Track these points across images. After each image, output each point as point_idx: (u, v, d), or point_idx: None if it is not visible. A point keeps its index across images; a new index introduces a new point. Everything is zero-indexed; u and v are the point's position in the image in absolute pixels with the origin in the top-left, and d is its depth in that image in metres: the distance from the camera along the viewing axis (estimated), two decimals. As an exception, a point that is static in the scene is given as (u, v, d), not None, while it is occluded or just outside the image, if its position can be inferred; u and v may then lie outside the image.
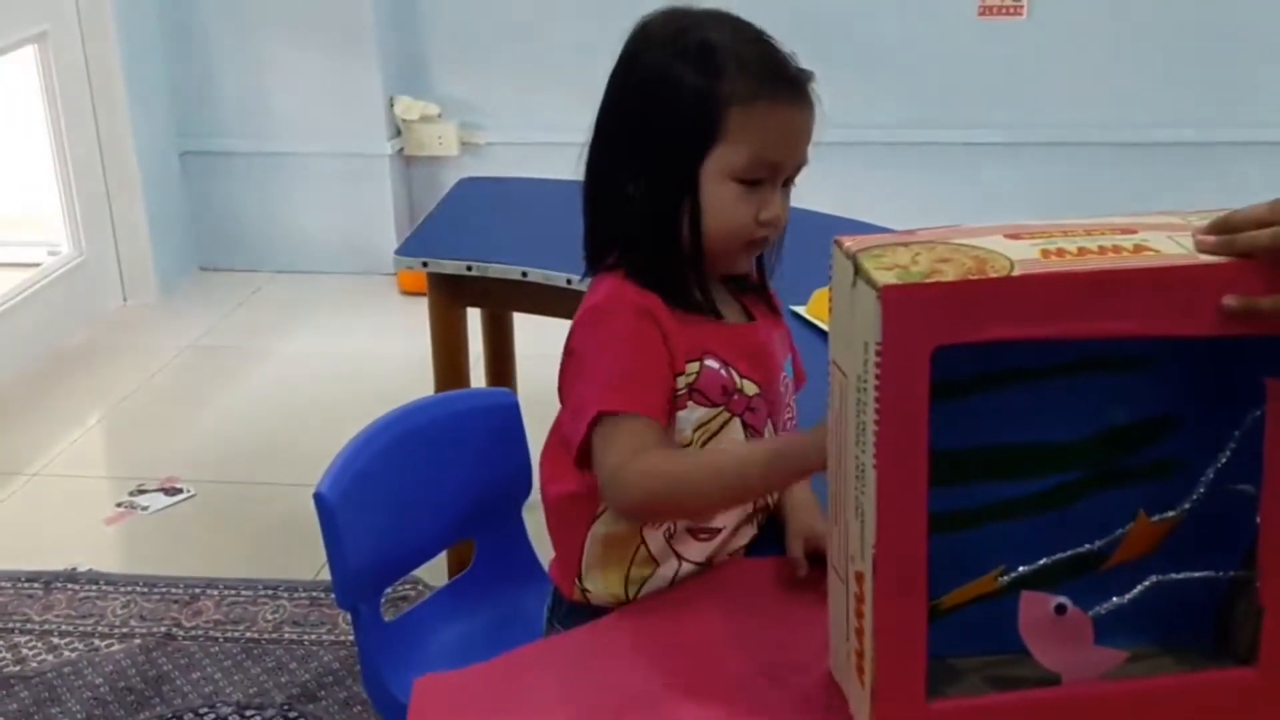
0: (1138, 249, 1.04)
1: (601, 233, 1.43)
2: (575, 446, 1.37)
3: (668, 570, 1.43)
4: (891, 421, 1.01)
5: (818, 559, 1.34)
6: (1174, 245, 1.05)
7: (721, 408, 1.39)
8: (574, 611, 1.48)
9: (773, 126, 1.34)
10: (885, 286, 0.99)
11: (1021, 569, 1.12)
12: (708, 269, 1.40)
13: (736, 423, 1.41)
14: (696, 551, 1.44)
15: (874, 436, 1.02)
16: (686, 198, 1.36)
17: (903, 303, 0.99)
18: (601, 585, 1.45)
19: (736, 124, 1.33)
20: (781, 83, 1.35)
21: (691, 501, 1.35)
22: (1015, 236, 1.06)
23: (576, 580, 1.46)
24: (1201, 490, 1.11)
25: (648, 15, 1.40)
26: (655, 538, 1.43)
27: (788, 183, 1.40)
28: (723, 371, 1.39)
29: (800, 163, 1.38)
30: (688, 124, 1.34)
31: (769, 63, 1.35)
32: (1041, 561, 1.12)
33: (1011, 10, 3.95)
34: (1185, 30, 3.87)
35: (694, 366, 1.37)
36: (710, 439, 1.40)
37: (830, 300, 1.09)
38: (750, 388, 1.41)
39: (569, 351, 1.40)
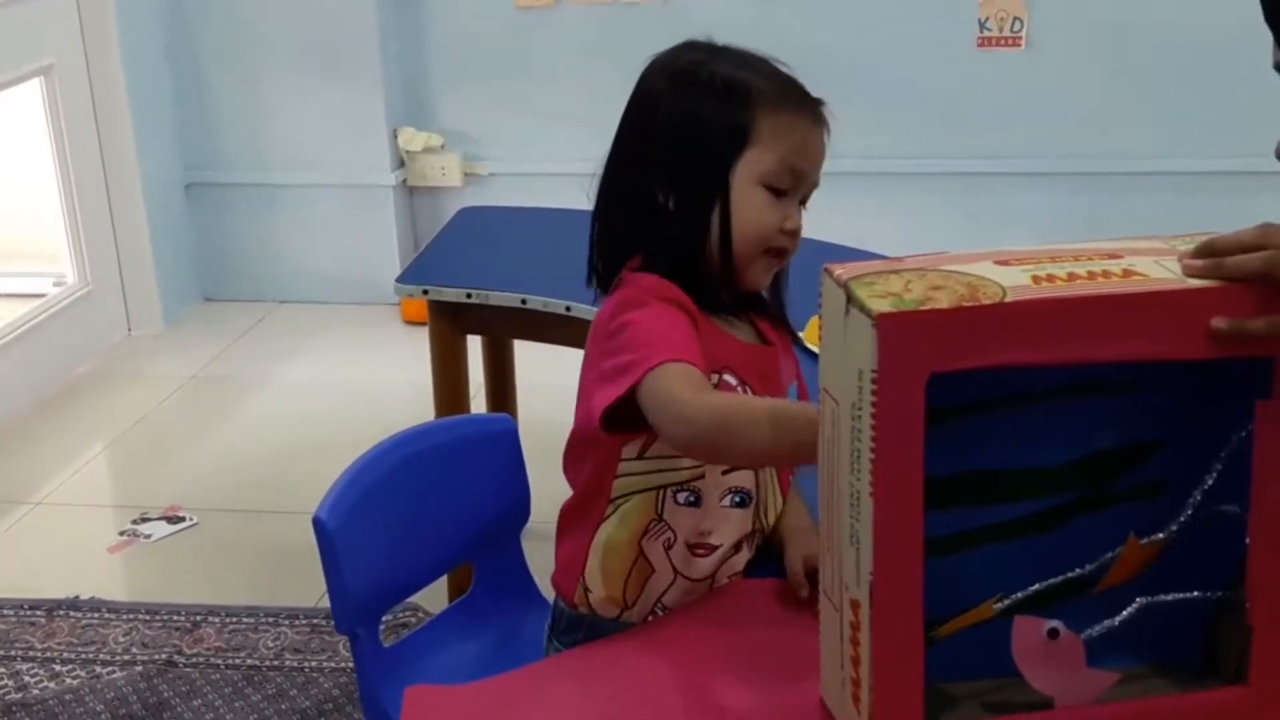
0: (1126, 274, 1.06)
1: (621, 244, 1.46)
2: (603, 410, 1.33)
3: (664, 579, 1.46)
4: (888, 448, 1.02)
5: (817, 580, 1.35)
6: (1161, 270, 1.06)
7: None
8: (574, 626, 1.50)
9: (798, 135, 1.41)
10: (881, 315, 1.00)
11: (1017, 595, 1.13)
12: (733, 278, 1.43)
13: None
14: (695, 568, 1.46)
15: (870, 463, 1.03)
16: (718, 202, 1.40)
17: (898, 331, 1.00)
18: (602, 587, 1.48)
19: (767, 129, 1.40)
20: (804, 97, 1.43)
21: (748, 444, 1.29)
22: (1004, 263, 1.07)
23: (580, 580, 1.49)
24: (1189, 512, 1.12)
25: (662, 52, 1.48)
26: (655, 549, 1.45)
27: (802, 202, 1.45)
28: (740, 389, 1.41)
29: (815, 181, 1.45)
30: (722, 125, 1.40)
31: (792, 81, 1.44)
32: (1034, 588, 1.13)
33: (1010, 42, 3.98)
34: (1182, 61, 3.89)
35: (714, 378, 1.40)
36: None
37: (821, 327, 1.10)
38: None
39: (617, 328, 1.38)
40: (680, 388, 1.29)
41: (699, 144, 1.41)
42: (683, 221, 1.42)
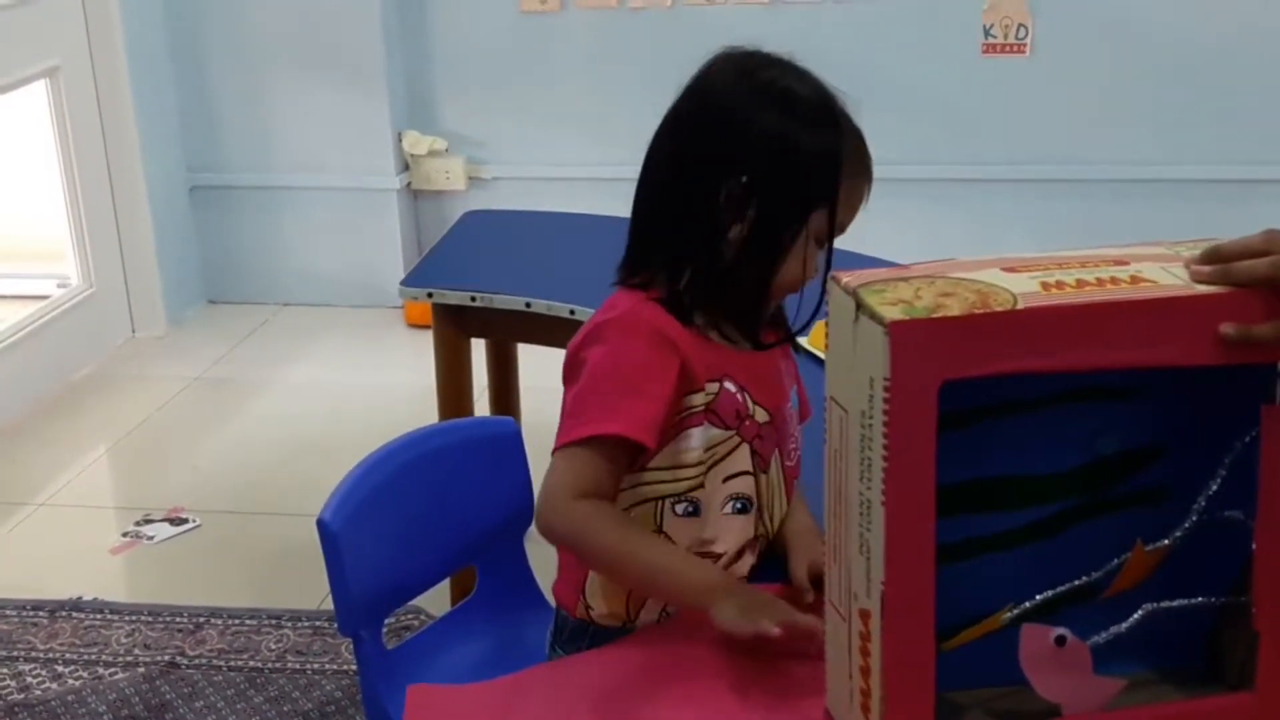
0: (1134, 280, 1.06)
1: (657, 250, 1.43)
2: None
3: None
4: (900, 457, 1.01)
5: (822, 584, 1.34)
6: (1168, 276, 1.06)
7: (733, 431, 1.41)
8: (577, 635, 1.50)
9: (856, 199, 1.42)
10: (893, 322, 0.99)
11: (1026, 604, 1.12)
12: (757, 312, 1.43)
13: (745, 449, 1.43)
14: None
15: (881, 472, 1.02)
16: (780, 246, 1.38)
17: (911, 338, 0.99)
18: (604, 604, 1.47)
19: (844, 192, 1.39)
20: (868, 159, 1.42)
21: (599, 568, 1.44)
22: (1012, 270, 1.07)
23: (581, 596, 1.48)
24: (1193, 518, 1.12)
25: (728, 54, 1.43)
26: None
27: None
28: (739, 395, 1.41)
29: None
30: (814, 178, 1.37)
31: (863, 140, 1.42)
32: (1041, 597, 1.13)
33: (1015, 48, 3.98)
34: (1186, 68, 3.89)
35: (714, 387, 1.39)
36: (719, 462, 1.42)
37: (827, 336, 1.10)
38: (762, 415, 1.43)
39: (578, 363, 1.40)
40: (563, 478, 1.36)
41: (789, 182, 1.37)
42: (747, 252, 1.38)
